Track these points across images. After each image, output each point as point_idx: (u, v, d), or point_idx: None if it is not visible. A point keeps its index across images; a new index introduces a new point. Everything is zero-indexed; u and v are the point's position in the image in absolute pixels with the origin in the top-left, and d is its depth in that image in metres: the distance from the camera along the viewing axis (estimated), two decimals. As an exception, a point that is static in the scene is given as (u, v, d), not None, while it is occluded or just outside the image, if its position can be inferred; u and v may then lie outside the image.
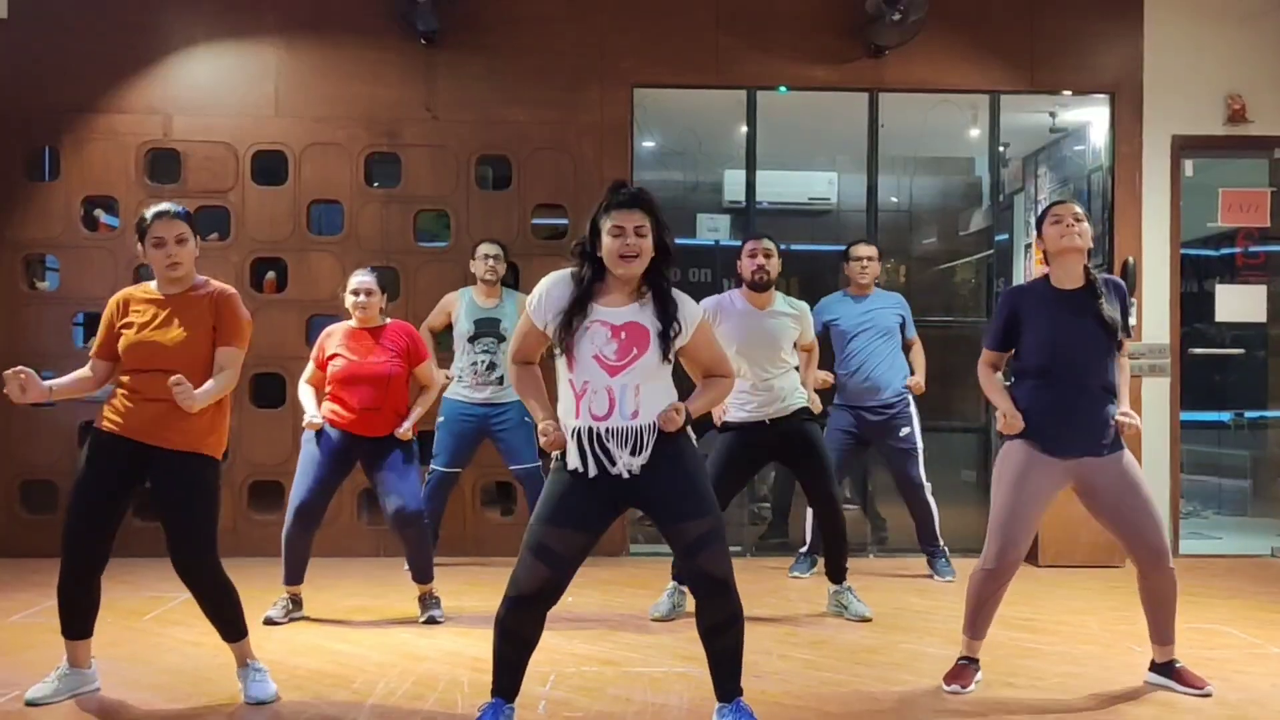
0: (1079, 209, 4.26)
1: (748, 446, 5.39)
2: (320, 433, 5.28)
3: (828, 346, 6.52)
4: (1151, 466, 7.23)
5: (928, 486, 6.49)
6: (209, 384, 3.97)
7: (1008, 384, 4.38)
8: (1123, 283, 4.36)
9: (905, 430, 6.46)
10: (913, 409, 6.51)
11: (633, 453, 3.47)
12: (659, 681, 4.34)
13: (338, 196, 7.25)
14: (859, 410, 6.44)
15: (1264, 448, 8.99)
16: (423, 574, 5.39)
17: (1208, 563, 7.11)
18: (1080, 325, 4.16)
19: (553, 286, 3.56)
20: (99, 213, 7.54)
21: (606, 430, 3.46)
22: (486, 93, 7.22)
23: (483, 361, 6.42)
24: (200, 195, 7.09)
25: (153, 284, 4.15)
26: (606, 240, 3.51)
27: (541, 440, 3.56)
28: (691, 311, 3.62)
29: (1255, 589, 6.32)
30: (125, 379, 4.08)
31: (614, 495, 3.55)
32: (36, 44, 7.10)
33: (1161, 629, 4.35)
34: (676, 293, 3.61)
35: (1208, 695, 4.20)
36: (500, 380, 6.39)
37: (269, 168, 7.25)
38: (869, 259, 6.56)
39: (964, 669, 4.34)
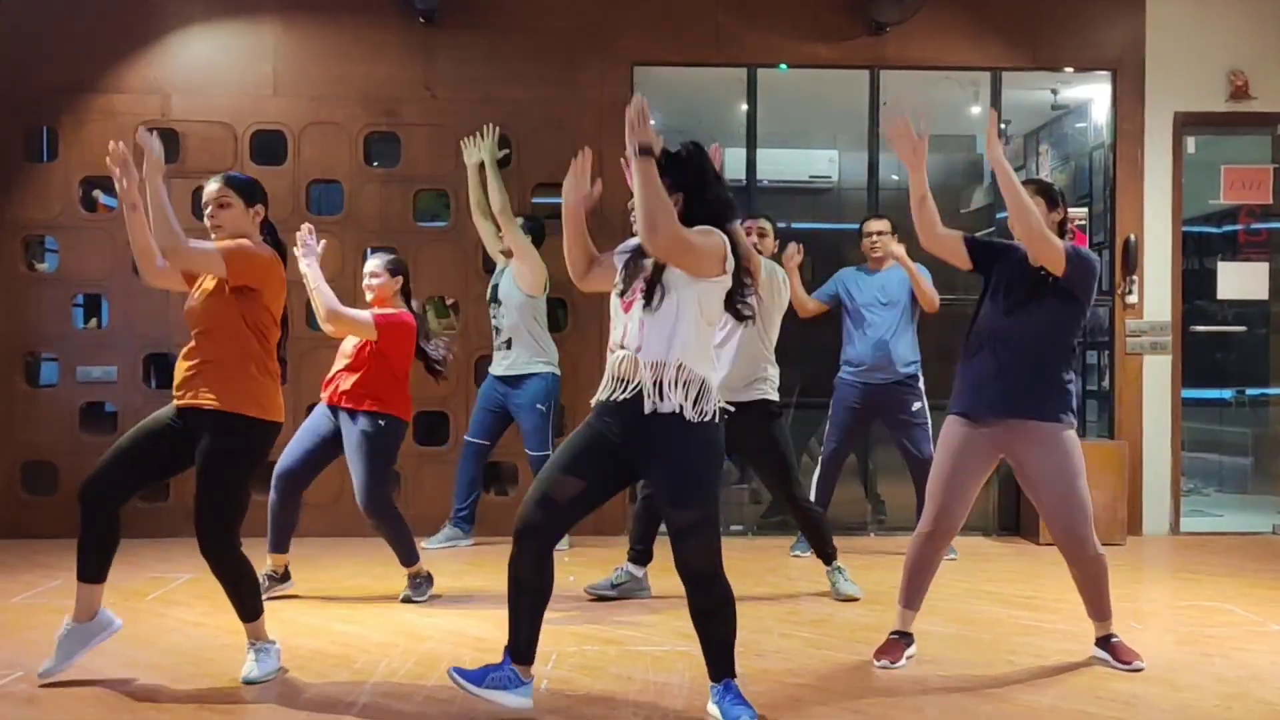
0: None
1: None
2: (323, 407, 5.35)
3: (838, 317, 6.68)
4: (1152, 444, 7.25)
5: None
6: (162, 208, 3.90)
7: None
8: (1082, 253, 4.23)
9: (917, 405, 6.50)
10: (921, 385, 6.52)
11: (627, 383, 3.53)
12: (660, 660, 4.35)
13: (337, 176, 7.23)
14: (868, 384, 6.47)
15: (1265, 425, 8.99)
16: (406, 558, 5.38)
17: (1209, 540, 7.13)
18: (1018, 300, 4.15)
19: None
20: (98, 193, 7.53)
21: (624, 359, 3.55)
22: (486, 71, 7.19)
23: (493, 328, 6.67)
24: (199, 175, 6.97)
25: None
26: None
27: None
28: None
29: (1256, 566, 6.33)
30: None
31: (628, 461, 3.59)
32: (34, 23, 7.07)
33: (1094, 606, 4.38)
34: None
35: (1138, 670, 4.21)
36: (508, 344, 6.55)
37: (268, 147, 7.23)
38: (879, 233, 6.61)
39: (894, 644, 4.36)
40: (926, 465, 6.44)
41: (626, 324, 3.59)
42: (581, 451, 3.61)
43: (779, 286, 5.56)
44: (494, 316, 6.65)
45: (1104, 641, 4.38)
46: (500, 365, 6.60)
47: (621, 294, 3.63)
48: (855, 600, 5.40)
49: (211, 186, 4.13)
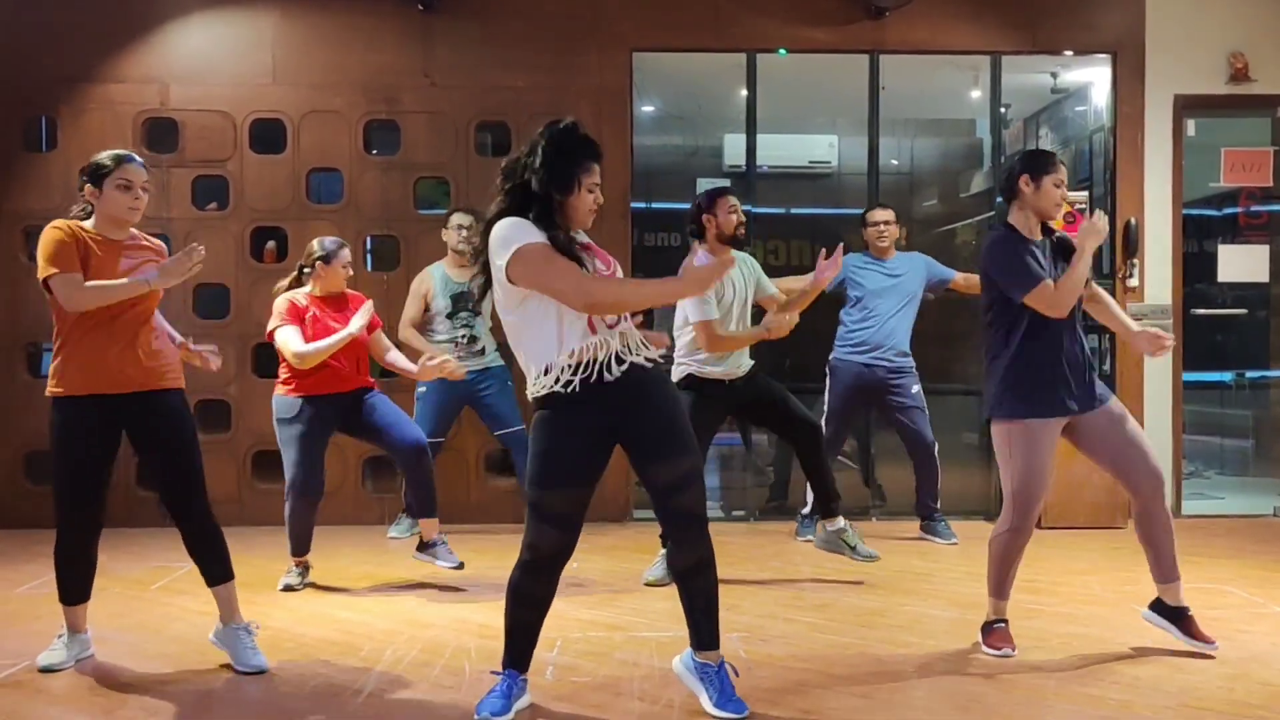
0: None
1: (709, 401, 5.39)
2: (300, 409, 5.25)
3: (837, 304, 6.65)
4: (1154, 427, 7.23)
5: (935, 445, 6.53)
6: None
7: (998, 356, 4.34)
8: (1065, 235, 4.42)
9: (916, 388, 6.53)
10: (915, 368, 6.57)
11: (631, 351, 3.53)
12: (665, 646, 4.36)
13: (337, 164, 7.22)
14: (868, 364, 6.49)
15: (1266, 407, 8.99)
16: (430, 507, 5.44)
17: (1210, 523, 7.13)
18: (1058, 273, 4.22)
19: (521, 229, 3.46)
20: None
21: (622, 333, 3.50)
22: (484, 58, 7.18)
23: (463, 336, 6.47)
24: (198, 165, 7.07)
25: (88, 223, 4.10)
26: (584, 195, 3.53)
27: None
28: None
29: (1257, 548, 6.34)
30: (91, 334, 4.01)
31: (602, 434, 3.51)
32: (32, 13, 7.05)
33: (1166, 565, 4.33)
34: None
35: (1210, 657, 4.18)
36: (482, 351, 6.44)
37: (267, 136, 7.21)
38: (886, 223, 6.63)
39: (1005, 631, 4.32)
40: (929, 448, 6.51)
41: None
42: (582, 457, 3.50)
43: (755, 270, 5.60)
44: (471, 325, 6.48)
45: (1177, 614, 4.31)
46: (470, 362, 6.37)
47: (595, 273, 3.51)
48: (875, 560, 5.48)
49: (141, 171, 4.12)
